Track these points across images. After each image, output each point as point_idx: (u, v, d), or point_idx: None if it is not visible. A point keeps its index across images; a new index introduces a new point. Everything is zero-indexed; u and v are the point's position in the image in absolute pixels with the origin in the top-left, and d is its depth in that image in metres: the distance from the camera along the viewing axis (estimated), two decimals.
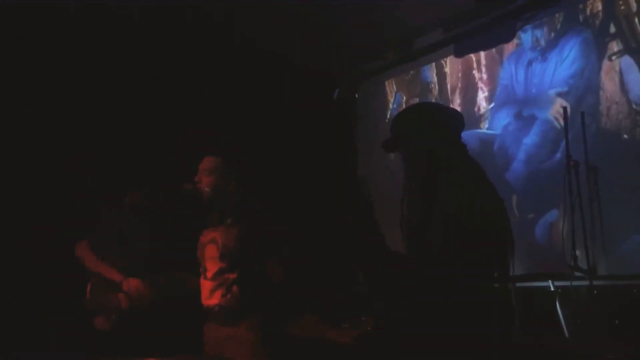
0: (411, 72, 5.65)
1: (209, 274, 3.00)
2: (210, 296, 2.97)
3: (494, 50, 4.86)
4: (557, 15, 4.39)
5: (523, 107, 4.56)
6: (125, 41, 4.51)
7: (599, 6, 4.14)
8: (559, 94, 4.26)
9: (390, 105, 5.83)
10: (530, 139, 4.47)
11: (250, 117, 5.13)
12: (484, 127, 4.85)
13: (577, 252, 3.70)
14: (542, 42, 4.48)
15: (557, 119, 4.23)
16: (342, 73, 5.86)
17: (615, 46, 4.02)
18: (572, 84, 4.20)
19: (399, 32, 5.27)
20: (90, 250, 3.42)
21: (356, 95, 6.09)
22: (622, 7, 3.99)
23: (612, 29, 4.04)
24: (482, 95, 4.93)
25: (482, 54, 4.95)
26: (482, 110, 4.90)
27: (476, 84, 4.97)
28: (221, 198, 3.02)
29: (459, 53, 5.14)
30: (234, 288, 2.92)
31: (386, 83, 5.91)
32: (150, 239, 3.50)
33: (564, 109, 3.96)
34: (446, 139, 2.02)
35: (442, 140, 2.00)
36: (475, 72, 5.00)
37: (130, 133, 4.46)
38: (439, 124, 2.04)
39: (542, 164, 4.35)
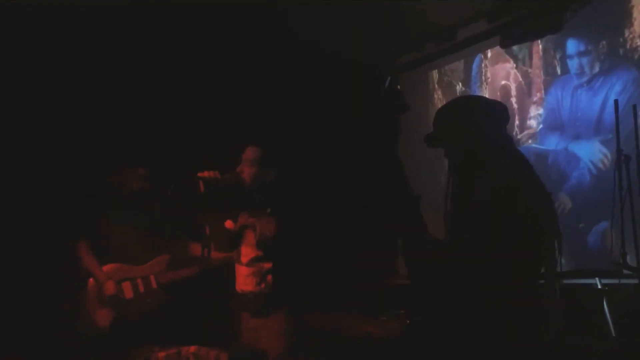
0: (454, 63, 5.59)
1: (244, 259, 3.03)
2: (245, 282, 3.01)
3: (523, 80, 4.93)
4: (601, 43, 4.52)
5: (574, 131, 4.65)
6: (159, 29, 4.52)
7: (638, 42, 4.29)
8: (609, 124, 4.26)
9: (433, 97, 5.76)
10: (582, 163, 4.58)
11: (288, 109, 5.13)
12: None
13: (626, 249, 3.58)
14: (593, 70, 4.58)
15: (606, 155, 4.34)
16: (384, 64, 5.80)
17: None
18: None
19: (443, 22, 5.19)
20: (87, 252, 3.49)
21: (398, 87, 6.02)
22: None
23: None
24: (516, 121, 5.06)
25: (513, 85, 5.09)
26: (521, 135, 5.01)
27: (514, 109, 5.07)
28: (257, 188, 3.03)
29: (505, 44, 5.04)
30: (269, 277, 2.95)
31: (429, 74, 5.85)
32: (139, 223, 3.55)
33: (615, 101, 3.83)
34: (490, 132, 1.96)
35: (485, 134, 1.95)
36: (512, 99, 5.14)
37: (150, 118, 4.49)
38: (482, 118, 1.98)
39: (594, 184, 4.42)
